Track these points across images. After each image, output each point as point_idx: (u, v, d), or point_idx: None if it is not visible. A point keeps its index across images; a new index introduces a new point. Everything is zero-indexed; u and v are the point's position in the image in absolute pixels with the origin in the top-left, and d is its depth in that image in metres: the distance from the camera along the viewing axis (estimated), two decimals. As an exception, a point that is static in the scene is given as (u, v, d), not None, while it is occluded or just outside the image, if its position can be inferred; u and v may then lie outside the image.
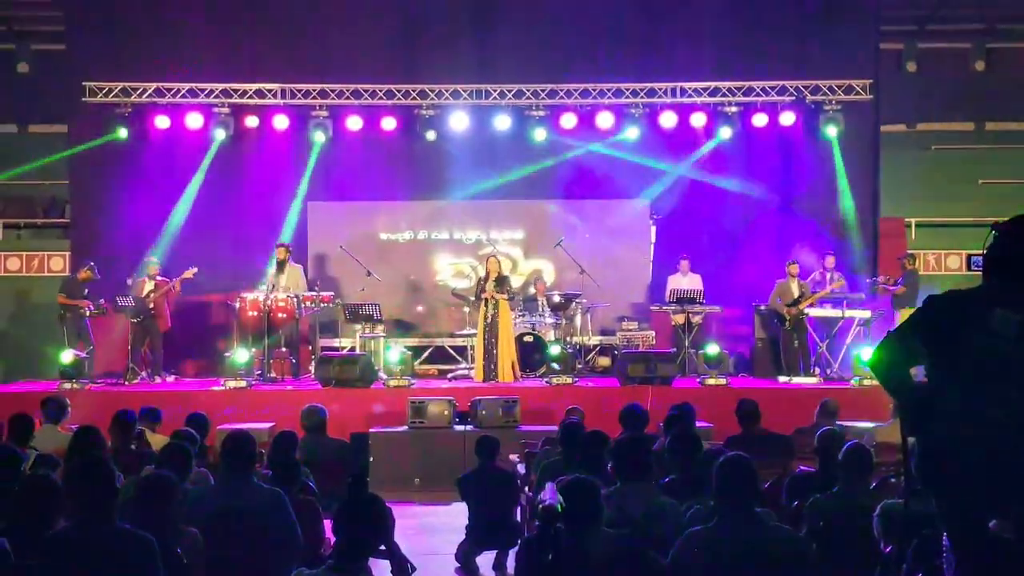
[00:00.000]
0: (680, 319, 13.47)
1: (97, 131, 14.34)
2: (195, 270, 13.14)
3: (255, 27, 14.77)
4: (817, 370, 12.87)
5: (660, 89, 14.42)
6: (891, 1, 15.79)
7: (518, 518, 7.20)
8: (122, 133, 14.25)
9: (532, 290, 14.35)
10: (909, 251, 14.37)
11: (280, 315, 12.74)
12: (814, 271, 13.50)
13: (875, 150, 14.95)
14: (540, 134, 14.47)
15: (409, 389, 11.74)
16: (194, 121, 14.31)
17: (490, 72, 14.64)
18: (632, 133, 14.52)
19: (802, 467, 6.12)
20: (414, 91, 14.41)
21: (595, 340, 14.42)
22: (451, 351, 14.55)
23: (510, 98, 14.43)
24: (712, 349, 12.76)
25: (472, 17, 14.83)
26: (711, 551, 4.11)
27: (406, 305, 14.91)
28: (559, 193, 15.05)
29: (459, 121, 14.44)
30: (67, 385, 11.59)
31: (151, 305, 12.97)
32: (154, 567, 4.01)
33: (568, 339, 13.64)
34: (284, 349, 13.08)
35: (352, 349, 13.32)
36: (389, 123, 14.45)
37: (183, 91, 14.30)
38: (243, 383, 11.81)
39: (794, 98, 14.40)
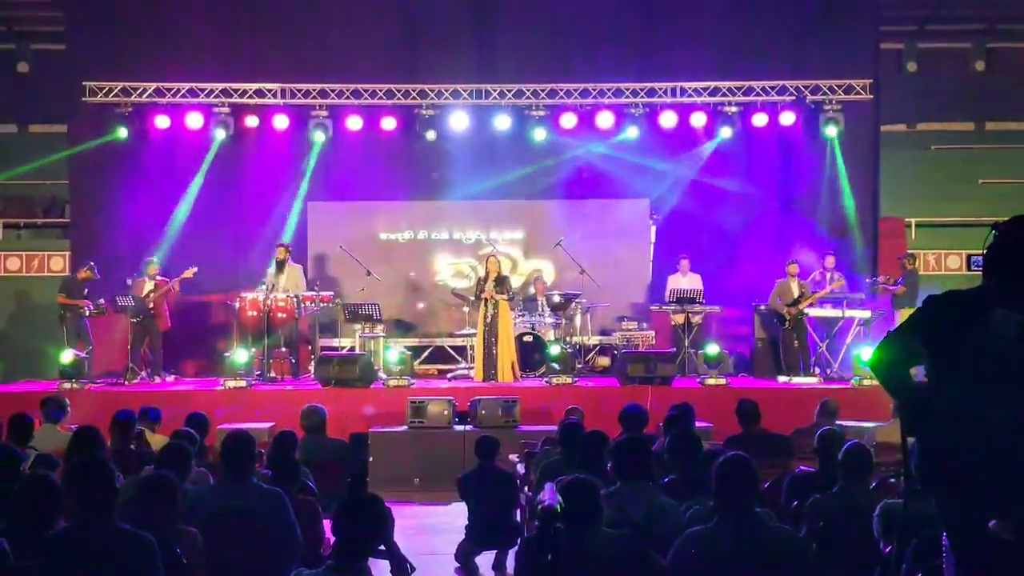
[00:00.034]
0: (680, 319, 13.47)
1: (97, 131, 14.33)
2: (194, 270, 13.15)
3: (255, 27, 14.78)
4: (817, 370, 12.88)
5: (660, 89, 14.42)
6: (891, 1, 15.78)
7: (518, 518, 7.20)
8: (122, 133, 14.25)
9: (532, 290, 14.36)
10: (909, 251, 14.38)
11: (280, 315, 12.74)
12: (814, 271, 13.50)
13: (875, 150, 14.95)
14: (540, 134, 14.47)
15: (409, 389, 11.74)
16: (194, 121, 14.31)
17: (490, 72, 14.63)
18: (632, 133, 14.52)
19: (802, 467, 6.12)
20: (414, 91, 14.41)
21: (595, 340, 14.42)
22: (451, 351, 14.55)
23: (510, 98, 14.43)
24: (712, 349, 12.76)
25: (472, 17, 14.83)
26: (710, 551, 4.11)
27: (406, 305, 14.91)
28: (559, 193, 15.05)
29: (459, 121, 14.44)
30: (67, 385, 11.59)
31: (151, 305, 12.97)
32: (154, 567, 4.01)
33: (568, 339, 13.64)
34: (284, 349, 13.07)
35: (352, 349, 13.31)
36: (389, 123, 14.45)
37: (183, 91, 14.30)
38: (243, 383, 11.81)
39: (794, 98, 14.39)
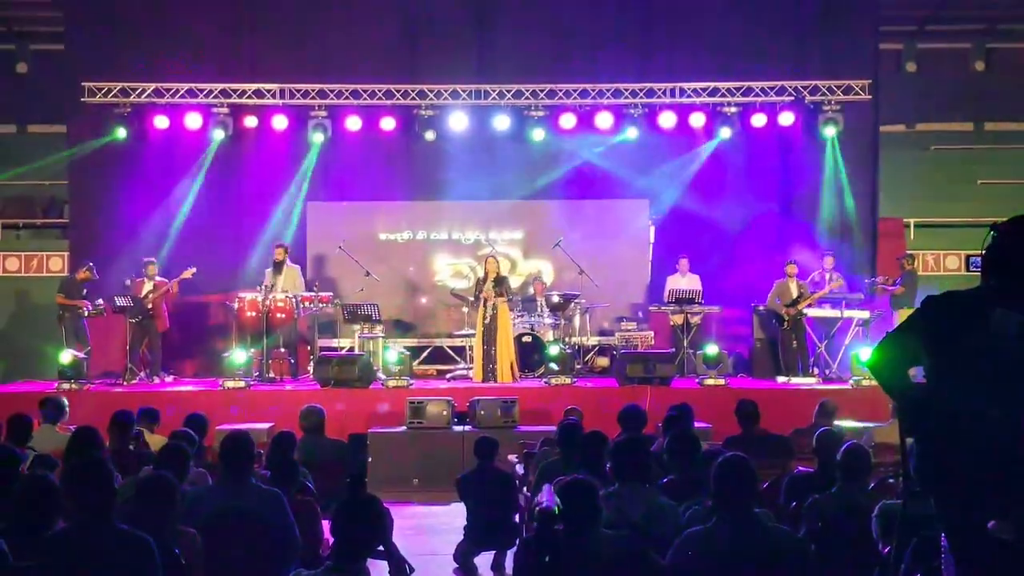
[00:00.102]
0: (679, 319, 13.47)
1: (96, 131, 14.33)
2: (193, 270, 13.15)
3: (254, 27, 14.77)
4: (816, 370, 12.87)
5: (659, 89, 14.42)
6: (891, 1, 15.78)
7: (516, 519, 7.19)
8: (121, 133, 14.24)
9: (531, 290, 14.35)
10: (908, 251, 14.39)
11: (279, 315, 12.74)
12: (813, 271, 13.50)
13: (874, 150, 14.94)
14: (539, 134, 14.47)
15: (408, 389, 11.73)
16: (193, 121, 14.30)
17: (489, 72, 14.63)
18: (631, 133, 14.51)
19: (801, 467, 6.13)
20: (413, 91, 14.40)
21: (594, 340, 14.42)
22: (450, 351, 14.55)
23: (509, 98, 14.42)
24: (711, 349, 12.77)
25: (472, 17, 14.83)
26: (709, 552, 4.11)
27: (405, 305, 14.91)
28: (558, 193, 15.04)
29: (458, 121, 14.44)
30: (65, 385, 11.58)
31: (149, 305, 12.96)
32: (153, 568, 4.00)
33: (567, 339, 13.62)
34: (283, 349, 13.07)
35: (351, 349, 13.30)
36: (388, 123, 14.44)
37: (182, 91, 14.29)
38: (241, 383, 11.81)
39: (793, 98, 14.40)
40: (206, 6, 14.86)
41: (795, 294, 13.06)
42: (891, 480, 5.58)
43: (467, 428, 10.32)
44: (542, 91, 14.41)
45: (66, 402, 8.28)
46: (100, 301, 13.05)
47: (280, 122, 14.37)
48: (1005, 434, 3.33)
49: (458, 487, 7.42)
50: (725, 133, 14.45)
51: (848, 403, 9.56)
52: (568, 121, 14.39)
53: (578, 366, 13.46)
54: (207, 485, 5.59)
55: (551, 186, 14.94)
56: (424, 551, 7.33)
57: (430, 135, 14.51)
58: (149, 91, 14.26)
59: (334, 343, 14.14)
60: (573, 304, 13.75)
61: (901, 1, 16.48)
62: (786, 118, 14.40)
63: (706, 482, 4.42)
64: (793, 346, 12.92)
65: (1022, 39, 18.80)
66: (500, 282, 12.63)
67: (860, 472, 5.17)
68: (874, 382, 3.95)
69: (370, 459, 10.06)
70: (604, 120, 14.44)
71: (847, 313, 12.93)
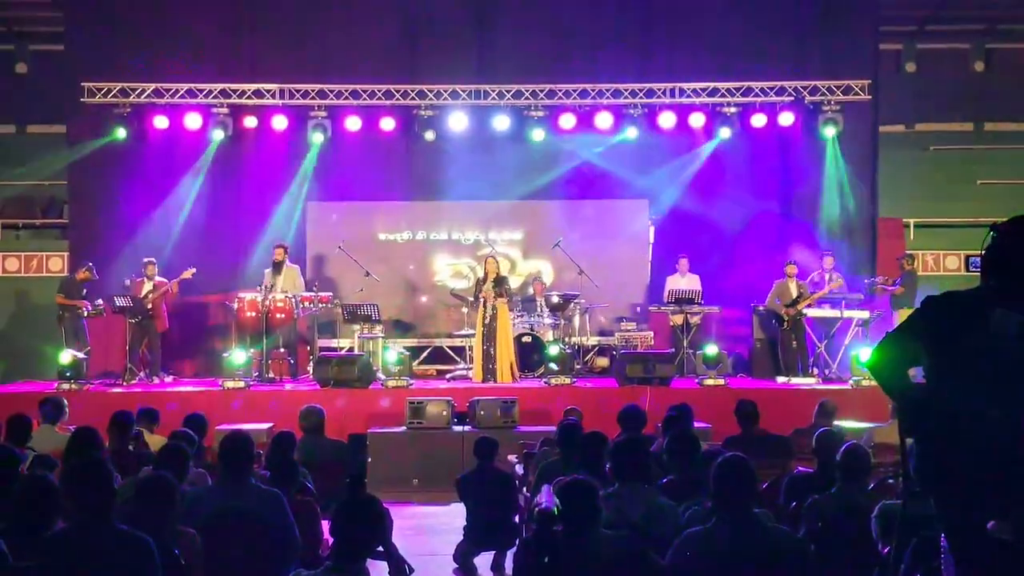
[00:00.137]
0: (678, 319, 13.46)
1: (96, 131, 14.33)
2: (193, 271, 13.15)
3: (254, 27, 14.77)
4: (815, 371, 12.87)
5: (659, 89, 14.42)
6: (891, 1, 15.79)
7: (516, 519, 7.19)
8: (121, 133, 14.23)
9: (531, 291, 14.34)
10: (907, 251, 14.39)
11: (278, 315, 12.74)
12: (812, 271, 13.50)
13: (874, 150, 14.94)
14: (539, 134, 14.47)
15: (407, 389, 11.73)
16: (193, 121, 14.29)
17: (489, 72, 14.63)
18: (631, 133, 14.51)
19: (800, 468, 6.12)
20: (413, 91, 14.40)
21: (593, 340, 14.42)
22: (449, 351, 14.55)
23: (509, 98, 14.42)
24: (710, 349, 12.77)
25: (472, 17, 14.83)
26: (709, 552, 4.11)
27: (404, 305, 14.91)
28: (558, 193, 15.04)
29: (458, 121, 14.44)
30: (65, 385, 11.58)
31: (149, 306, 12.96)
32: (152, 568, 4.00)
33: (566, 339, 13.62)
34: (282, 349, 13.07)
35: (350, 349, 13.30)
36: (388, 123, 14.44)
37: (182, 91, 14.29)
38: (241, 384, 11.81)
39: (793, 98, 14.40)
40: (206, 6, 14.85)
41: (795, 294, 13.06)
42: (891, 480, 5.58)
43: (467, 428, 10.32)
44: (542, 91, 14.41)
45: (66, 402, 8.29)
46: (100, 301, 13.04)
47: (280, 122, 14.36)
48: (1005, 434, 3.33)
49: (458, 487, 7.41)
50: (725, 133, 14.45)
51: (848, 403, 9.57)
52: (568, 121, 14.39)
53: (578, 366, 13.46)
54: (207, 485, 5.58)
55: (551, 186, 14.94)
56: (424, 551, 7.33)
57: (430, 135, 14.51)
58: (149, 91, 14.25)
59: (334, 343, 14.15)
60: (573, 304, 13.75)
61: (901, 1, 16.49)
62: (786, 118, 14.40)
63: (706, 482, 4.41)
64: (793, 346, 12.92)
65: (1022, 39, 18.80)
66: (500, 282, 12.63)
67: (860, 472, 5.17)
68: (874, 382, 3.94)
69: (370, 459, 10.05)
70: (604, 120, 14.44)
71: (847, 313, 12.92)
